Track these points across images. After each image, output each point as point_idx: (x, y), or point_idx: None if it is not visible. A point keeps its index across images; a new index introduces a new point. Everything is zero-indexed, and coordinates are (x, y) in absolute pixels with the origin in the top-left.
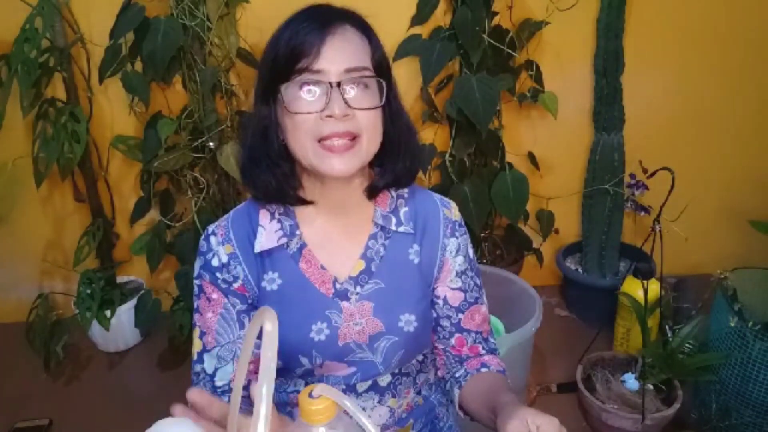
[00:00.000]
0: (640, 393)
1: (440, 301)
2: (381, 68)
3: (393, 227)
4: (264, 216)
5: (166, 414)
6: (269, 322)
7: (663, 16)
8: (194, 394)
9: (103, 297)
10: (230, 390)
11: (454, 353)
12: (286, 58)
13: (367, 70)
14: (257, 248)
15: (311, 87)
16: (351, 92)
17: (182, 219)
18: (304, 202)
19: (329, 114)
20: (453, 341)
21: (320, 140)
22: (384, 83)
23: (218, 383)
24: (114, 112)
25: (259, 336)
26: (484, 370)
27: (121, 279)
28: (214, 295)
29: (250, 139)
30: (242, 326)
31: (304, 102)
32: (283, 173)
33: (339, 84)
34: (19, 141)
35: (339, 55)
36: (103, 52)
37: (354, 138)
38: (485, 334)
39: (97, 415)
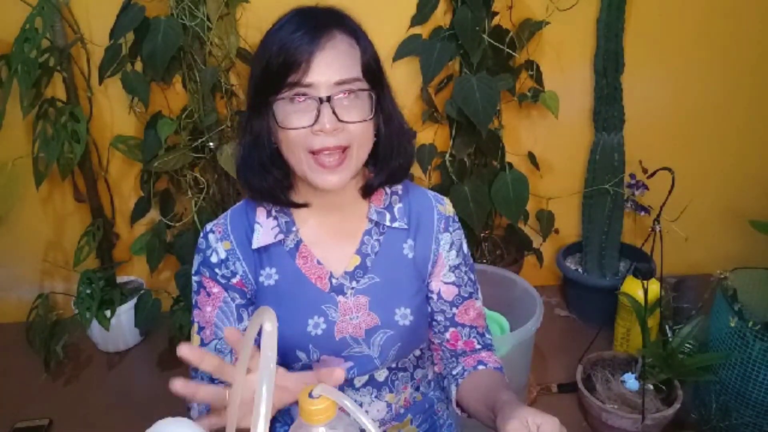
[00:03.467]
0: (640, 393)
1: (434, 296)
2: (371, 72)
3: (387, 223)
4: (261, 213)
5: (166, 414)
6: (269, 323)
7: (663, 16)
8: (184, 350)
9: (103, 297)
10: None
11: (450, 348)
12: (275, 72)
13: (357, 80)
14: (255, 244)
15: (301, 101)
16: (341, 105)
17: (182, 219)
18: (297, 205)
19: (320, 129)
20: (448, 335)
21: (312, 152)
22: (374, 93)
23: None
24: (114, 112)
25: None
26: (481, 367)
27: (121, 279)
28: (215, 289)
29: (243, 146)
30: (241, 320)
31: (296, 117)
32: (275, 179)
33: (329, 99)
34: (19, 141)
35: (328, 68)
36: (103, 52)
37: (345, 149)
38: (480, 330)
39: (97, 415)
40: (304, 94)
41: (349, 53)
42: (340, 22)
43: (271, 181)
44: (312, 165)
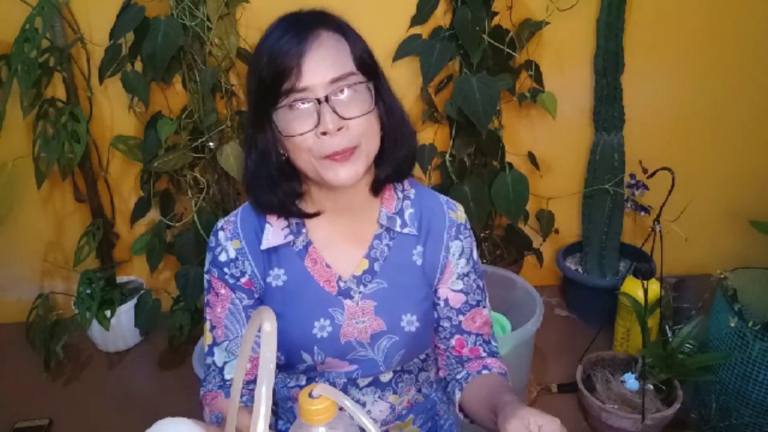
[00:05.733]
0: (640, 393)
1: (441, 303)
2: (365, 65)
3: (398, 228)
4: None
5: (166, 414)
6: (268, 323)
7: (663, 16)
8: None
9: (103, 297)
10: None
11: (455, 354)
12: (269, 81)
13: (352, 74)
14: (264, 245)
15: (300, 106)
16: (340, 102)
17: (182, 219)
18: (308, 215)
19: (324, 131)
20: (453, 342)
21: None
22: (372, 85)
23: (227, 376)
24: (114, 112)
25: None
26: (485, 372)
27: (121, 279)
28: (222, 291)
29: (250, 162)
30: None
31: (297, 124)
32: (284, 192)
33: (327, 98)
34: (19, 141)
35: (320, 67)
36: (103, 52)
37: (354, 147)
38: (486, 337)
39: (97, 415)
40: (301, 99)
41: (339, 49)
42: (324, 21)
43: (281, 194)
44: (323, 163)
